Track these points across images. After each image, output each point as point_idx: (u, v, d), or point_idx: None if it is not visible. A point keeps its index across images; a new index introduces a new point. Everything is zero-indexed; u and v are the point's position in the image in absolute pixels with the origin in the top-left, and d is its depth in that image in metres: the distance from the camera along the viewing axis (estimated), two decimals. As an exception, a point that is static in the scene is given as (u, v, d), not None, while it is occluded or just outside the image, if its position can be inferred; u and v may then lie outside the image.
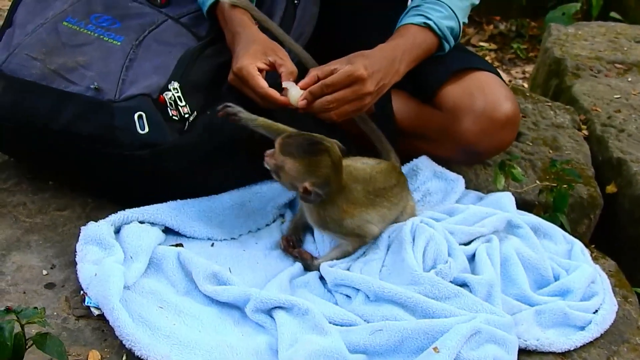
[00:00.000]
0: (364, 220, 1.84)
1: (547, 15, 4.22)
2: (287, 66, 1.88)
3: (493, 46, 4.48)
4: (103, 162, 1.88)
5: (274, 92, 1.84)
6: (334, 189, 1.77)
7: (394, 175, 1.93)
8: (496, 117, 2.03)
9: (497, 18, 4.66)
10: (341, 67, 1.88)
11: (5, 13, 2.07)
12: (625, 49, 3.22)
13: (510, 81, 4.01)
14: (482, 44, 4.49)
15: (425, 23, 2.05)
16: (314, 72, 1.88)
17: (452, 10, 2.09)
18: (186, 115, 1.87)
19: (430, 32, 2.06)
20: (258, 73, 1.85)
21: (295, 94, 1.86)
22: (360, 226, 1.84)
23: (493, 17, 4.66)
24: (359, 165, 1.91)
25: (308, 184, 1.74)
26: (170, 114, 1.85)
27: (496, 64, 4.31)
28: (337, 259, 1.87)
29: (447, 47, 2.09)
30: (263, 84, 1.84)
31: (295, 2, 2.10)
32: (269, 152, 1.79)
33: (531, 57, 4.34)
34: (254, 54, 1.88)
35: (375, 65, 1.90)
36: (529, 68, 4.17)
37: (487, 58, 4.33)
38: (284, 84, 1.86)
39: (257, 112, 1.88)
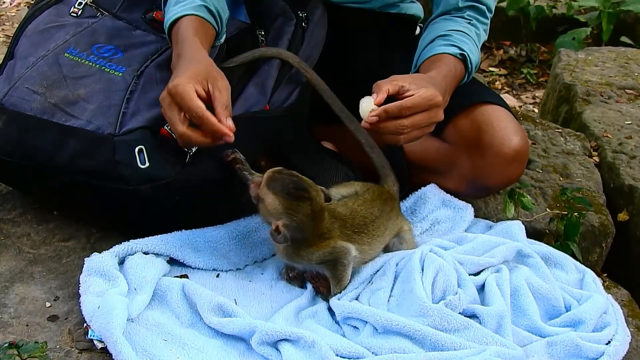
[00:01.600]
0: (332, 246, 1.80)
1: (557, 40, 4.21)
2: (224, 99, 1.73)
3: (503, 71, 4.47)
4: (106, 197, 1.86)
5: (212, 117, 1.69)
6: (308, 236, 1.76)
7: (379, 204, 1.90)
8: (504, 152, 2.00)
9: (507, 43, 4.65)
10: (411, 88, 1.84)
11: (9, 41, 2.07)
12: (636, 74, 3.20)
13: (520, 106, 3.99)
14: (492, 69, 4.47)
15: (461, 55, 2.04)
16: (385, 87, 1.84)
17: (475, 43, 2.09)
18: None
19: (463, 64, 2.05)
20: (195, 94, 1.69)
21: (366, 107, 1.83)
22: (331, 252, 1.80)
23: (503, 42, 4.65)
24: (341, 199, 1.89)
25: (281, 224, 1.72)
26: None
27: (506, 89, 4.29)
28: (343, 288, 1.84)
29: (466, 79, 2.08)
30: (200, 104, 1.68)
31: (304, 25, 2.08)
32: (256, 179, 1.78)
33: (541, 82, 4.32)
34: (194, 76, 1.71)
35: (442, 93, 1.89)
36: (539, 93, 4.15)
37: (497, 83, 4.32)
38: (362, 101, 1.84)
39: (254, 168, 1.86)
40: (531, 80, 4.35)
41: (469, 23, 2.13)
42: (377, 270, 1.88)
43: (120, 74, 1.92)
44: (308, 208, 1.73)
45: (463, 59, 2.05)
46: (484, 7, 2.16)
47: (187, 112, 1.69)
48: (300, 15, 2.08)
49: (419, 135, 1.87)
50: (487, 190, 2.14)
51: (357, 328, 1.76)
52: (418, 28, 2.57)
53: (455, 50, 2.04)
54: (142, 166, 1.79)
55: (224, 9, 1.97)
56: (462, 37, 2.08)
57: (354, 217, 1.84)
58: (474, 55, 2.08)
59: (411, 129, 1.83)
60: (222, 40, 1.99)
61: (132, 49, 1.98)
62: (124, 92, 1.88)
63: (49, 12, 2.06)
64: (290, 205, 1.72)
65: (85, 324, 1.67)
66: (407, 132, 1.84)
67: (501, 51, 4.61)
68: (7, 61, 2.00)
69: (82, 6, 2.06)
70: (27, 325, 1.69)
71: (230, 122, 1.70)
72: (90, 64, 1.94)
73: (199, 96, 1.69)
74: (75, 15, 2.05)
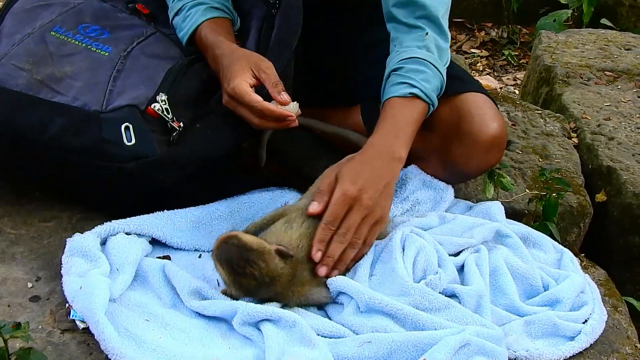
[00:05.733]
0: (311, 295, 1.79)
1: (538, 22, 4.22)
2: (272, 78, 1.87)
3: (484, 53, 4.48)
4: (92, 174, 1.86)
5: (270, 105, 1.83)
6: (270, 296, 1.74)
7: None
8: (482, 139, 2.00)
9: (489, 25, 4.66)
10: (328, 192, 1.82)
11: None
12: (616, 56, 3.22)
13: (501, 88, 4.01)
14: (473, 50, 4.48)
15: (411, 93, 1.94)
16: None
17: (434, 66, 1.97)
18: (174, 128, 1.86)
19: (418, 99, 1.95)
20: (251, 89, 1.84)
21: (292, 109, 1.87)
22: (306, 299, 1.78)
23: (484, 23, 4.66)
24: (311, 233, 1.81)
25: (233, 291, 1.72)
26: (169, 126, 1.84)
27: (487, 70, 4.31)
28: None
29: (432, 109, 2.00)
30: (258, 98, 1.83)
31: (274, 11, 2.08)
32: (218, 239, 1.74)
33: (522, 63, 4.33)
34: (241, 71, 1.86)
35: (363, 173, 1.82)
36: (520, 75, 4.17)
37: (478, 65, 4.33)
38: None
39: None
40: (512, 62, 4.36)
41: (426, 35, 2.02)
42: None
43: (107, 54, 1.93)
44: (253, 283, 1.69)
45: (414, 95, 1.94)
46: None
47: (249, 108, 1.82)
48: (271, 1, 2.08)
49: (373, 231, 1.84)
50: (465, 176, 2.15)
51: (341, 304, 1.78)
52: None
53: (405, 90, 1.94)
54: (128, 143, 1.80)
55: None
56: (416, 66, 1.96)
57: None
58: (434, 80, 1.97)
59: (355, 231, 1.79)
60: (238, 24, 2.08)
61: (118, 31, 1.98)
62: (110, 70, 1.89)
63: None
64: (234, 280, 1.70)
65: (67, 305, 1.67)
66: (357, 237, 1.80)
67: (483, 33, 4.62)
68: None
69: None
70: (8, 306, 1.69)
71: (285, 96, 1.85)
72: (77, 42, 1.95)
73: (254, 86, 1.84)
74: None
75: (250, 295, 1.73)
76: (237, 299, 1.72)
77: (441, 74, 1.99)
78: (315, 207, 1.80)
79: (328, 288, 1.79)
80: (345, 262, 1.81)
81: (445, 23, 2.04)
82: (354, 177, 1.81)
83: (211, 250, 1.73)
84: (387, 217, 1.86)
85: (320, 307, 1.81)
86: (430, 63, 1.97)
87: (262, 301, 1.74)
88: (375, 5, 2.12)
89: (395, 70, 1.98)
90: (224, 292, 1.74)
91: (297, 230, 1.79)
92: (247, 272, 1.68)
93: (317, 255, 1.77)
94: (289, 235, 1.78)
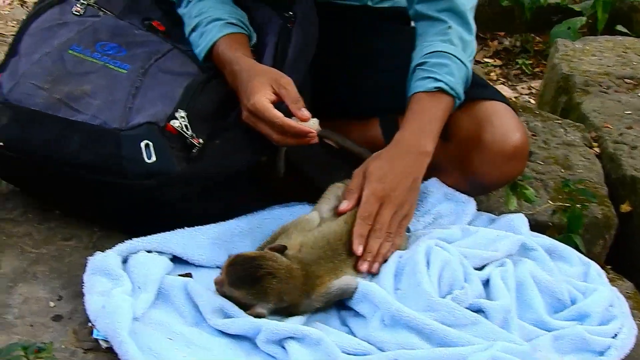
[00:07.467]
0: (329, 287, 1.78)
1: (552, 30, 4.19)
2: (292, 94, 1.87)
3: (498, 62, 4.45)
4: (110, 192, 1.86)
5: (291, 121, 1.83)
6: (296, 295, 1.74)
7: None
8: (504, 149, 1.98)
9: (502, 34, 4.64)
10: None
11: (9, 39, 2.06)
12: (635, 63, 3.19)
13: (516, 97, 3.98)
14: (487, 60, 4.46)
15: (436, 87, 1.97)
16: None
17: (458, 59, 2.00)
18: (194, 144, 1.85)
19: (443, 93, 1.98)
20: (271, 105, 1.84)
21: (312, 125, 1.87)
22: (327, 294, 1.78)
23: (497, 32, 4.63)
24: (315, 237, 1.84)
25: (258, 309, 1.70)
26: (189, 142, 1.84)
27: (501, 80, 4.28)
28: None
29: (458, 102, 2.02)
30: (279, 114, 1.83)
31: (289, 25, 2.07)
32: (217, 279, 1.75)
33: (537, 72, 4.31)
34: (261, 87, 1.86)
35: (391, 170, 1.89)
36: (535, 83, 4.14)
37: (492, 74, 4.31)
38: None
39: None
40: (526, 70, 4.34)
41: (449, 28, 2.04)
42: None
43: (125, 71, 1.93)
44: (272, 281, 1.70)
45: (440, 89, 1.98)
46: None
47: (269, 124, 1.82)
48: (287, 15, 2.08)
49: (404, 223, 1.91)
50: (487, 187, 2.13)
51: (364, 317, 1.76)
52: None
53: (430, 85, 1.97)
54: (149, 160, 1.80)
55: (242, 14, 2.05)
56: (440, 60, 1.99)
57: (333, 250, 1.82)
58: (456, 76, 1.99)
59: (388, 227, 1.86)
60: (255, 39, 2.06)
61: (134, 47, 1.98)
62: (128, 88, 1.89)
63: (52, 12, 2.05)
64: (256, 290, 1.70)
65: (89, 324, 1.66)
66: (389, 232, 1.86)
67: (496, 42, 4.60)
68: (10, 58, 1.99)
69: (84, 6, 2.06)
70: (31, 326, 1.68)
71: (305, 112, 1.86)
72: (95, 60, 1.95)
73: (273, 102, 1.84)
74: (77, 14, 2.05)
75: (277, 301, 1.71)
76: (264, 316, 1.70)
77: (465, 65, 2.01)
78: (345, 205, 1.87)
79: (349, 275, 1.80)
80: (385, 256, 1.86)
81: (470, 16, 2.07)
82: (382, 175, 1.87)
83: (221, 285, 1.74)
84: (413, 212, 1.94)
85: (344, 322, 1.79)
86: (454, 56, 1.99)
87: (285, 318, 1.73)
88: (382, 14, 2.18)
89: (419, 65, 2.01)
90: (251, 314, 1.71)
91: (296, 238, 1.83)
92: (263, 274, 1.70)
93: (358, 249, 1.82)
94: (289, 243, 1.81)
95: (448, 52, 2.00)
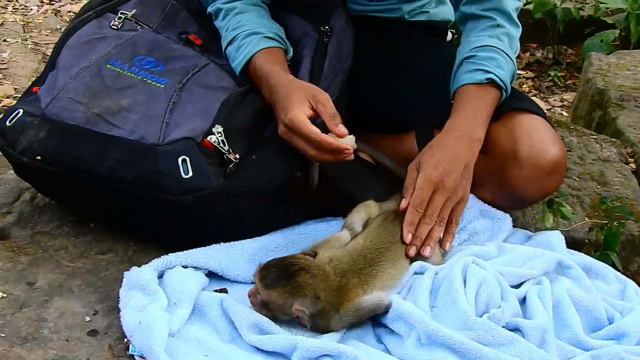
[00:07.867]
0: (360, 303, 1.77)
1: (584, 42, 4.16)
2: (329, 110, 1.87)
3: (530, 74, 4.43)
4: (146, 207, 1.86)
5: (328, 137, 1.83)
6: (330, 299, 1.72)
7: (389, 230, 1.90)
8: (542, 163, 1.97)
9: (534, 45, 4.62)
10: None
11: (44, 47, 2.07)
12: (669, 77, 3.17)
13: (549, 109, 3.96)
14: (519, 72, 4.44)
15: (487, 79, 2.01)
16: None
17: (505, 54, 2.04)
18: (230, 160, 1.85)
19: (492, 85, 2.01)
20: (308, 120, 1.84)
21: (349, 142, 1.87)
22: (356, 310, 1.77)
23: (529, 44, 4.61)
24: (342, 254, 1.83)
25: (297, 305, 1.70)
26: (226, 157, 1.83)
27: (533, 92, 4.26)
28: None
29: (505, 95, 2.05)
30: (316, 130, 1.83)
31: (325, 40, 2.07)
32: (251, 290, 1.75)
33: (569, 84, 4.28)
34: (299, 103, 1.86)
35: (444, 157, 1.92)
36: (567, 96, 4.12)
37: (524, 86, 4.29)
38: None
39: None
40: (559, 83, 4.31)
41: (497, 26, 2.08)
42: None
43: (162, 86, 1.93)
44: (306, 275, 1.71)
45: (491, 81, 2.01)
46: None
47: (305, 139, 1.82)
48: (323, 29, 2.08)
49: (459, 208, 1.96)
50: (524, 201, 2.11)
51: (399, 336, 1.74)
52: (450, 34, 2.55)
53: (481, 77, 2.01)
54: (185, 176, 1.80)
55: (278, 28, 2.06)
56: (489, 54, 2.03)
57: (362, 260, 1.82)
58: (504, 69, 2.03)
59: (439, 213, 1.91)
60: (291, 53, 2.07)
61: (172, 62, 1.99)
62: (166, 103, 1.90)
63: (91, 25, 2.07)
64: (293, 288, 1.70)
65: (125, 339, 1.66)
66: (441, 217, 1.91)
67: (528, 54, 4.57)
68: (49, 72, 2.01)
69: (122, 20, 2.07)
70: (67, 341, 1.68)
71: (342, 129, 1.86)
72: (133, 75, 1.96)
73: (310, 118, 1.85)
74: (115, 28, 2.06)
75: (313, 297, 1.70)
76: (307, 325, 1.71)
77: (512, 60, 2.06)
78: (404, 203, 1.92)
79: (381, 291, 1.79)
80: (435, 240, 1.91)
81: (515, 15, 2.12)
82: (436, 162, 1.91)
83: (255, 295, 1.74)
84: (467, 196, 1.97)
85: (380, 339, 1.78)
86: (502, 50, 2.04)
87: (320, 335, 1.72)
88: (417, 27, 2.21)
89: (467, 58, 2.05)
90: (293, 312, 1.71)
91: (324, 253, 1.82)
92: (296, 269, 1.71)
93: (408, 237, 1.88)
94: (319, 258, 1.80)
95: (496, 46, 2.04)
